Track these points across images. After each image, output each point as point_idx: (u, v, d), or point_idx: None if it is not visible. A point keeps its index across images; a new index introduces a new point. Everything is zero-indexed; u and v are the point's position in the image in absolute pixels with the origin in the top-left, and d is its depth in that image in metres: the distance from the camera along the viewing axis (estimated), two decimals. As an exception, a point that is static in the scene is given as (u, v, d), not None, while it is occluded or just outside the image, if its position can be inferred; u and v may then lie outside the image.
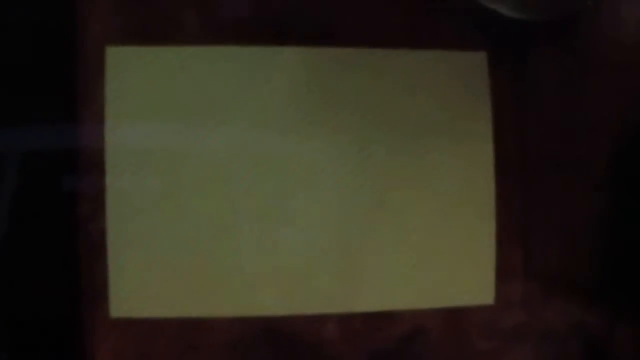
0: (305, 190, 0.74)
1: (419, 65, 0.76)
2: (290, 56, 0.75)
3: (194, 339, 0.73)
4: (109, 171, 0.72)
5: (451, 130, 0.76)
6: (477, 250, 0.76)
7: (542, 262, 0.77)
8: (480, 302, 0.76)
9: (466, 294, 0.76)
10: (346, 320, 0.74)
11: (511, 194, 0.77)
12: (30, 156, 0.71)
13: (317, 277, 0.74)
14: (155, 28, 0.73)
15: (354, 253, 0.75)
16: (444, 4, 0.76)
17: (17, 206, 0.71)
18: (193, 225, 0.73)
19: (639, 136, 0.78)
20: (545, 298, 0.77)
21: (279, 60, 0.74)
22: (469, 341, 0.76)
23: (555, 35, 0.78)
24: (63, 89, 0.72)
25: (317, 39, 0.75)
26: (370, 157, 0.75)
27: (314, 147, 0.75)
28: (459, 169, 0.76)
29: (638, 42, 0.79)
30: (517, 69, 0.77)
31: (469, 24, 0.77)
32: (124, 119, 0.73)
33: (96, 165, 0.72)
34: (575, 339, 0.77)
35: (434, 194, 0.76)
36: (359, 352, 0.75)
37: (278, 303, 0.73)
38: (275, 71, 0.74)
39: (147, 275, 0.72)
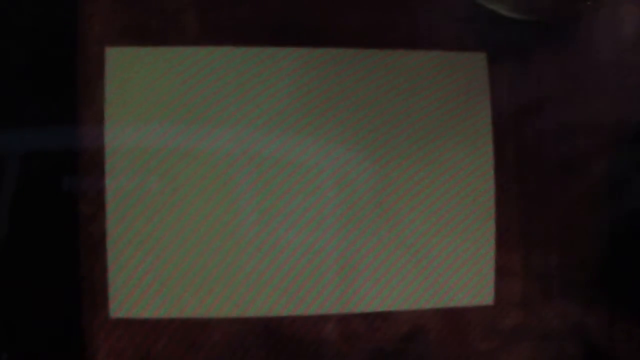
0: (305, 190, 0.74)
1: (419, 65, 0.76)
2: (290, 56, 0.75)
3: (194, 339, 0.73)
4: (109, 172, 0.72)
5: (451, 130, 0.76)
6: (477, 250, 0.76)
7: (542, 262, 0.77)
8: (480, 302, 0.76)
9: (466, 295, 0.76)
10: (346, 321, 0.75)
11: (511, 194, 0.77)
12: (29, 157, 0.71)
13: (317, 278, 0.74)
14: (155, 28, 0.74)
15: (354, 253, 0.75)
16: (444, 4, 0.76)
17: (17, 207, 0.71)
18: (193, 225, 0.73)
19: (639, 136, 0.78)
20: (545, 298, 0.77)
21: (279, 60, 0.75)
22: (468, 342, 0.76)
23: (555, 35, 0.78)
24: (63, 89, 0.72)
25: (317, 39, 0.75)
26: (370, 157, 0.75)
27: (314, 147, 0.75)
28: (459, 169, 0.76)
29: (638, 42, 0.79)
30: (517, 69, 0.77)
31: (468, 24, 0.77)
32: (124, 120, 0.73)
33: (96, 165, 0.72)
34: (575, 339, 0.77)
35: (434, 194, 0.76)
36: (358, 352, 0.75)
37: (278, 303, 0.74)
38: (275, 71, 0.74)
39: (147, 276, 0.72)
